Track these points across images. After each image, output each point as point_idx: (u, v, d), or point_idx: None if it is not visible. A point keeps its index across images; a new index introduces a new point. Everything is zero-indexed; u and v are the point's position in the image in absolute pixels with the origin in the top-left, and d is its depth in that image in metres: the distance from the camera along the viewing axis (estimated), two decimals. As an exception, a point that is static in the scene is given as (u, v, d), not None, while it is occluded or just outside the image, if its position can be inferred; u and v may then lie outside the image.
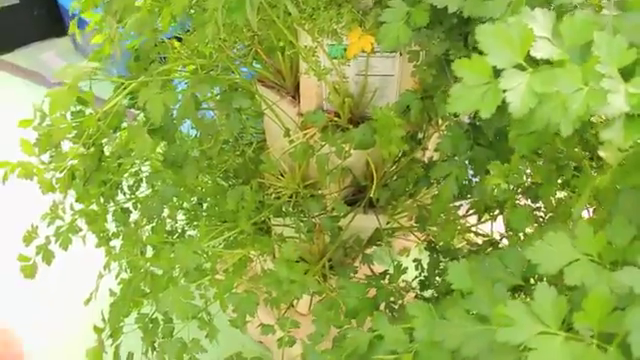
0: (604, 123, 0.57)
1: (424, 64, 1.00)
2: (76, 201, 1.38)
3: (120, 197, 1.47)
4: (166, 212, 1.40)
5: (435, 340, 0.67)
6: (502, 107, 1.04)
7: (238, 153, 1.36)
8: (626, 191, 0.65)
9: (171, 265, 1.12)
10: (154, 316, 1.24)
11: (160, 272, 1.25)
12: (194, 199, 1.47)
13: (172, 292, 1.09)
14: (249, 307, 1.14)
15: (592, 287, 0.57)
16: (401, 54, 1.09)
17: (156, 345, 1.22)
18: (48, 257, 1.47)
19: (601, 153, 0.60)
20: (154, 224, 1.35)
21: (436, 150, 1.09)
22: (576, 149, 0.87)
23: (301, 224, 1.30)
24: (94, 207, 1.46)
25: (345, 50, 1.09)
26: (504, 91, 0.55)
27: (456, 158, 1.06)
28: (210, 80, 1.07)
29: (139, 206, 1.52)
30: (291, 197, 1.36)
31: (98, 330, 1.25)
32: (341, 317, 1.10)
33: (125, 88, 1.14)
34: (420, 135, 1.32)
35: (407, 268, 1.25)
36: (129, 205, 1.52)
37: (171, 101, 0.99)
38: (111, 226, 1.53)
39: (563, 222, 0.96)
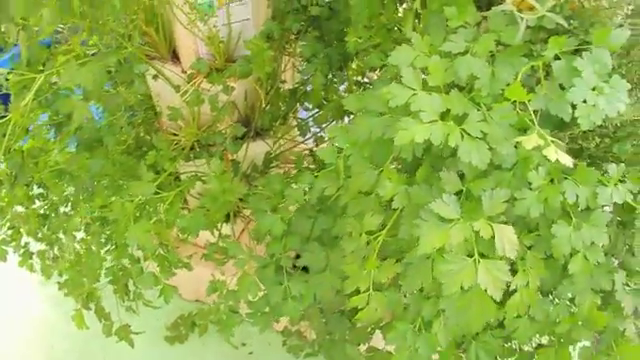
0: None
1: (276, -6, 1.35)
2: (7, 205, 1.53)
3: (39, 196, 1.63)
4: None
5: (352, 140, 1.03)
6: (341, 19, 1.42)
7: (140, 121, 1.60)
8: (431, 15, 1.05)
9: (125, 210, 1.35)
10: (120, 266, 1.45)
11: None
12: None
13: (135, 228, 1.32)
14: (198, 223, 1.41)
15: (432, 62, 0.96)
16: (253, -5, 1.43)
17: (130, 286, 1.44)
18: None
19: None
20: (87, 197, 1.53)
21: (303, 60, 1.44)
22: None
23: (211, 158, 1.58)
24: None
25: (210, 6, 1.40)
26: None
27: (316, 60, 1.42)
28: (114, 52, 1.31)
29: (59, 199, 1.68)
30: (192, 146, 1.64)
31: (77, 293, 1.43)
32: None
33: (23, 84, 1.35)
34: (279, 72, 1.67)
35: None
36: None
37: (98, 70, 1.22)
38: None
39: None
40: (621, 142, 1.03)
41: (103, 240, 1.47)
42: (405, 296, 1.06)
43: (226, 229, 1.82)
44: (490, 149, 0.88)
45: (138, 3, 1.36)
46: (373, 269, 0.98)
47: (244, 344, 1.97)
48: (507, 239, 0.86)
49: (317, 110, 1.77)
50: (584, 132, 1.02)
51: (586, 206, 0.96)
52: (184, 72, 1.53)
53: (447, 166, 0.95)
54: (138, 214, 1.39)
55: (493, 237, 0.87)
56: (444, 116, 0.92)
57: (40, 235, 1.63)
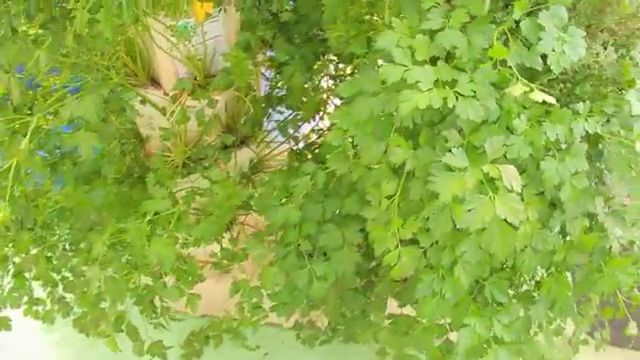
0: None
1: (247, 7, 1.46)
2: (16, 251, 1.56)
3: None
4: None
5: (354, 121, 1.15)
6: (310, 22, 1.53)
7: (131, 149, 1.67)
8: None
9: (140, 231, 1.42)
10: (142, 285, 1.51)
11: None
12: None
13: (155, 244, 1.39)
14: (210, 232, 1.49)
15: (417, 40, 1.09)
16: (225, 10, 1.53)
17: (156, 303, 1.50)
18: (6, 324, 1.62)
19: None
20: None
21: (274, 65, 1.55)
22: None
23: (205, 170, 1.66)
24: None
25: (185, 27, 1.50)
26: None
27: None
28: (104, 84, 1.38)
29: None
30: (184, 164, 1.72)
31: (106, 317, 1.48)
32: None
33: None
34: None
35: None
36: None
37: (97, 101, 1.29)
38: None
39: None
40: (581, 84, 1.19)
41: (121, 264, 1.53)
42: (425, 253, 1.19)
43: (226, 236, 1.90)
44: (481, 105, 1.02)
45: (122, 32, 1.44)
46: (398, 228, 1.10)
47: (258, 346, 2.03)
48: (512, 176, 1.00)
49: (290, 112, 1.88)
50: (549, 80, 1.18)
51: (565, 141, 1.11)
52: (166, 94, 1.61)
53: (441, 129, 1.09)
54: (150, 233, 1.46)
55: (499, 178, 1.01)
56: (436, 84, 1.05)
57: (46, 277, 1.66)
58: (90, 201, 1.52)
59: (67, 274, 1.75)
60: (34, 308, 1.84)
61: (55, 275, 1.73)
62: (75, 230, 1.62)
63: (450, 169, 1.02)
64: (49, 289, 1.80)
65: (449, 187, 0.98)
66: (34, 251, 1.65)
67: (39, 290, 1.82)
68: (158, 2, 1.35)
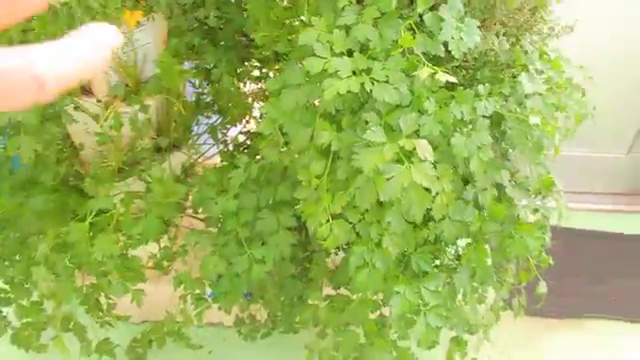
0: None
1: (175, 14, 1.54)
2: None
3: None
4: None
5: (282, 112, 1.25)
6: (235, 27, 1.63)
7: (67, 154, 1.70)
8: (321, 1, 1.30)
9: (83, 230, 1.46)
10: (87, 284, 1.54)
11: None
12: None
13: (98, 242, 1.44)
14: (154, 228, 1.55)
15: (335, 35, 1.21)
16: (154, 18, 1.61)
17: (101, 300, 1.54)
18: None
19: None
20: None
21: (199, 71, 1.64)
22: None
23: (142, 173, 1.72)
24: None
25: (115, 35, 1.56)
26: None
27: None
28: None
29: None
30: (120, 169, 1.77)
31: (52, 320, 1.50)
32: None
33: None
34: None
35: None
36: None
37: (36, 107, 1.33)
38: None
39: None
40: (481, 70, 1.35)
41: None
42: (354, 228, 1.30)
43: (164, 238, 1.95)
44: (395, 89, 1.15)
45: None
46: (328, 203, 1.21)
47: (201, 346, 2.08)
48: (424, 148, 1.13)
49: (217, 117, 1.97)
50: (453, 68, 1.33)
51: (470, 119, 1.26)
52: (99, 101, 1.66)
53: (361, 114, 1.21)
54: (92, 233, 1.51)
55: (413, 150, 1.14)
56: (353, 72, 1.17)
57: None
58: (29, 208, 1.55)
59: (4, 286, 1.74)
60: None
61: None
62: (12, 240, 1.62)
63: (370, 145, 1.14)
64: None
65: (370, 160, 1.11)
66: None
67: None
68: (89, 12, 1.42)
